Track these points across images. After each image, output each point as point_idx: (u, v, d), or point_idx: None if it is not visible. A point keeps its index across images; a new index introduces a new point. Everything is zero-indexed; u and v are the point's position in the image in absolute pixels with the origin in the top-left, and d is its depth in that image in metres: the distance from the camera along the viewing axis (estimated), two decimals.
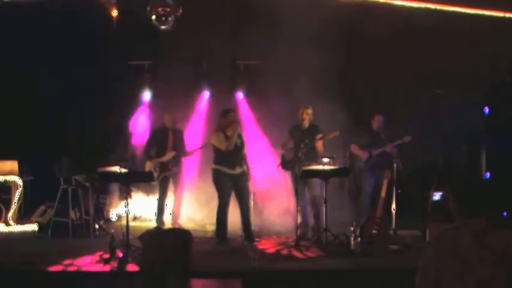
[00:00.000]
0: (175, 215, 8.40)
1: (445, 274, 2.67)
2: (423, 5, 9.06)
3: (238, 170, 7.43)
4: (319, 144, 7.60)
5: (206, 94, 9.79)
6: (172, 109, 8.52)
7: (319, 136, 7.59)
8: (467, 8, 9.04)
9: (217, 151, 7.44)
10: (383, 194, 7.42)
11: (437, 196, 7.55)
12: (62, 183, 8.04)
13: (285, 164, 7.76)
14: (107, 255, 6.33)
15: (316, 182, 7.55)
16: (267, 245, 7.31)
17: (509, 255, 2.69)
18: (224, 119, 7.41)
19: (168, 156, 8.16)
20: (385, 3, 9.08)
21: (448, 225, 2.88)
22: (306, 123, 7.73)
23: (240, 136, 7.49)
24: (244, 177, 7.52)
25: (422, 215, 7.73)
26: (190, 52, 9.05)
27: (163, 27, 8.30)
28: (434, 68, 8.56)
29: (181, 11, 8.29)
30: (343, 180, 9.14)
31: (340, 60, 8.71)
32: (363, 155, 8.04)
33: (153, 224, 8.35)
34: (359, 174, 8.42)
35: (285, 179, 8.12)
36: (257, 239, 7.56)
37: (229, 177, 7.39)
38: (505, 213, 6.99)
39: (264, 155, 9.01)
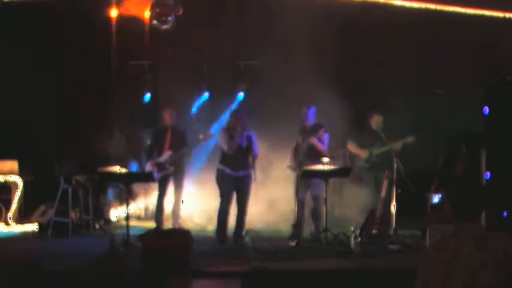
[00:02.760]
0: (175, 215, 8.38)
1: (450, 284, 2.66)
2: (423, 5, 9.06)
3: (241, 173, 7.40)
4: (314, 143, 7.57)
5: (206, 94, 9.79)
6: (171, 107, 8.50)
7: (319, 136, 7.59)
8: (467, 8, 9.04)
9: (222, 151, 7.46)
10: (383, 194, 7.42)
11: (436, 198, 7.54)
12: (62, 183, 8.04)
13: (292, 165, 7.75)
14: (107, 255, 6.33)
15: (318, 183, 7.55)
16: (267, 245, 7.31)
17: (510, 259, 2.68)
18: (230, 120, 7.48)
19: (165, 156, 8.11)
20: (385, 3, 9.08)
21: (447, 226, 2.87)
22: (310, 122, 7.71)
23: (249, 138, 7.43)
24: (246, 180, 7.45)
25: (422, 216, 7.73)
26: (190, 52, 9.05)
27: (163, 27, 8.31)
28: (434, 67, 8.56)
29: (181, 11, 8.30)
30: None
31: (340, 59, 8.73)
32: (361, 153, 8.03)
33: (153, 224, 8.34)
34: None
35: (283, 179, 8.11)
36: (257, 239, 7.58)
37: (231, 179, 7.39)
38: (505, 213, 6.98)
39: (263, 155, 9.00)
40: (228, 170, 7.38)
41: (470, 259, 2.65)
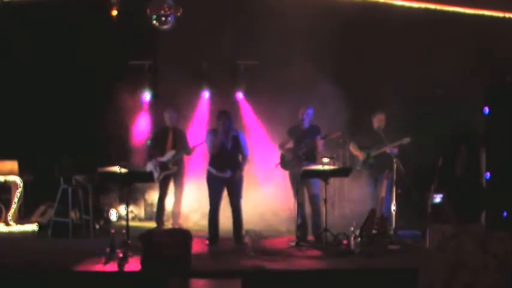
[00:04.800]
0: (175, 215, 8.38)
1: (452, 285, 2.66)
2: (423, 5, 9.06)
3: (228, 173, 7.32)
4: (319, 144, 7.59)
5: (206, 94, 9.79)
6: (172, 108, 8.51)
7: (321, 136, 7.58)
8: (467, 8, 9.04)
9: (210, 153, 7.46)
10: (383, 194, 7.42)
11: (437, 198, 7.53)
12: (62, 183, 8.04)
13: (285, 164, 7.75)
14: (107, 255, 6.32)
15: (315, 181, 7.54)
16: (268, 245, 7.31)
17: (510, 259, 2.69)
18: (216, 121, 7.40)
19: (167, 155, 8.11)
20: (385, 3, 9.08)
21: (447, 226, 2.87)
22: (306, 124, 7.71)
23: (235, 139, 7.35)
24: (235, 181, 7.36)
25: (422, 216, 7.73)
26: (190, 52, 9.05)
27: (163, 27, 8.31)
28: (434, 67, 8.57)
29: (181, 11, 8.30)
30: None
31: (340, 60, 8.74)
32: (360, 156, 8.01)
33: (153, 224, 8.34)
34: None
35: (283, 179, 8.11)
36: (256, 238, 7.57)
37: (218, 180, 7.34)
38: (505, 213, 6.99)
39: (263, 155, 9.01)
40: (214, 171, 7.37)
41: (472, 259, 2.66)
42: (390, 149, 7.62)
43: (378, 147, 7.80)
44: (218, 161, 7.35)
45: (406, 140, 7.63)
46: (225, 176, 7.33)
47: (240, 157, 7.44)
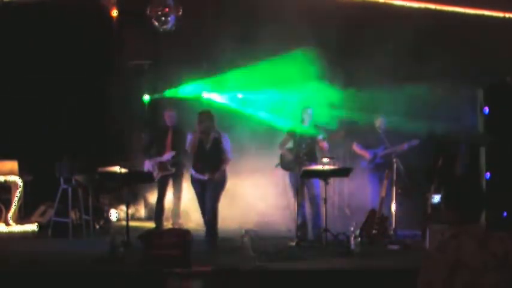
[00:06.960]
0: (175, 215, 8.39)
1: (452, 285, 2.66)
2: (423, 5, 9.06)
3: (207, 176, 7.12)
4: (323, 145, 7.58)
5: (206, 94, 9.78)
6: (171, 108, 8.51)
7: (324, 137, 7.57)
8: (467, 8, 9.04)
9: (189, 152, 7.38)
10: (383, 193, 7.43)
11: (437, 198, 7.53)
12: (62, 183, 8.04)
13: (286, 164, 7.74)
14: (107, 255, 6.33)
15: (315, 182, 7.54)
16: (267, 245, 7.31)
17: (510, 259, 2.68)
18: (197, 122, 7.18)
19: (167, 155, 8.09)
20: (385, 3, 9.09)
21: (447, 226, 2.87)
22: (307, 124, 7.71)
23: (216, 140, 7.16)
24: (213, 183, 7.12)
25: (422, 216, 7.73)
26: (190, 52, 9.05)
27: (163, 27, 8.31)
28: (434, 67, 8.57)
29: (181, 11, 8.30)
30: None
31: (340, 60, 8.74)
32: (366, 155, 8.02)
33: (153, 224, 8.34)
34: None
35: (283, 179, 8.11)
36: (256, 238, 7.57)
37: (195, 181, 7.26)
38: (505, 214, 6.99)
39: (263, 155, 9.00)
40: (192, 172, 7.29)
41: (472, 260, 2.65)
42: (398, 149, 7.65)
43: (383, 147, 7.83)
44: (197, 162, 7.22)
45: (415, 142, 7.70)
46: (203, 178, 7.16)
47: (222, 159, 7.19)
